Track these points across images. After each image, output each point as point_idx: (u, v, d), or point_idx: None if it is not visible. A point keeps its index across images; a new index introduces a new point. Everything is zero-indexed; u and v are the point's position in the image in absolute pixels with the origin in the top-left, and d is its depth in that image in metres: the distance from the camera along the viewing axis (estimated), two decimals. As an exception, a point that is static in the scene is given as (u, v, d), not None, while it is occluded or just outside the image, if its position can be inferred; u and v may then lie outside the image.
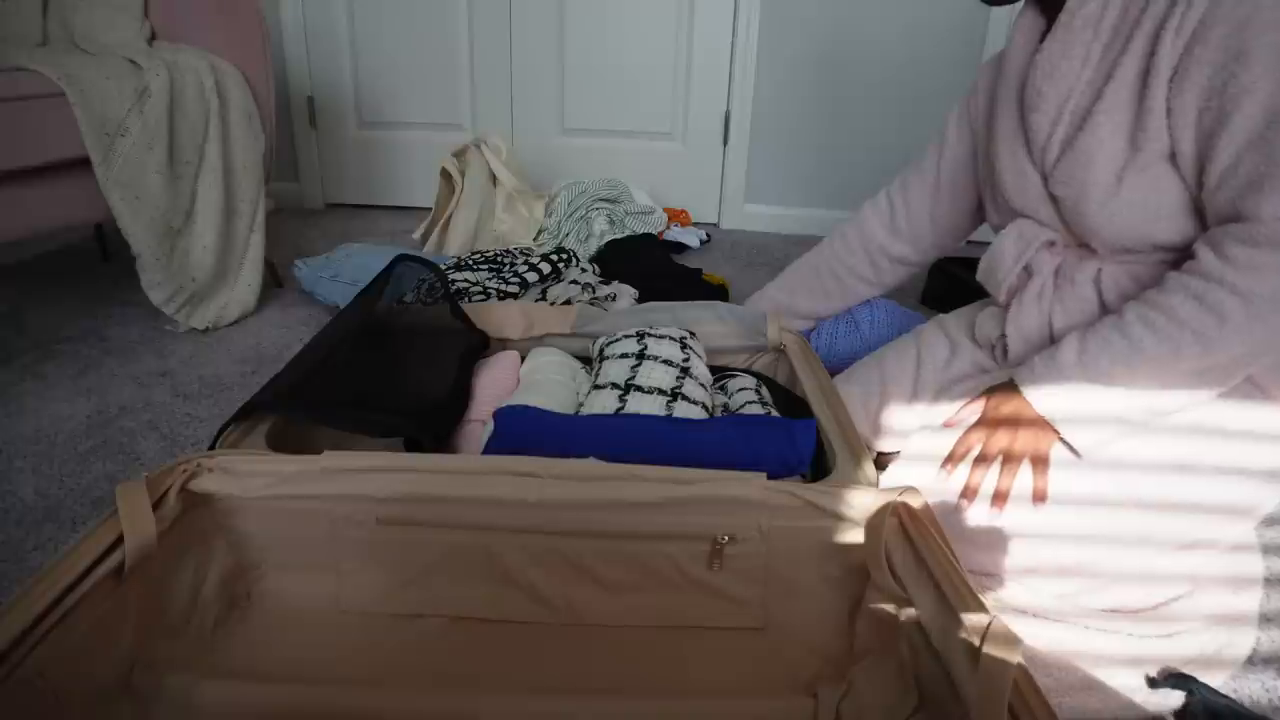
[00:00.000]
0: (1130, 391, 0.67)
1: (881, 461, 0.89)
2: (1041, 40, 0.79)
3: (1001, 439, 0.72)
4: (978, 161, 0.95)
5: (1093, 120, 0.71)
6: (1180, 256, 0.70)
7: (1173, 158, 0.68)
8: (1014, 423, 0.72)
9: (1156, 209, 0.69)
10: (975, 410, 0.76)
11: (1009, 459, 0.71)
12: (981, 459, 0.72)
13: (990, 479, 0.72)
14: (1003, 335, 0.84)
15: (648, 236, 1.83)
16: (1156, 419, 0.69)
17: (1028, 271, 0.82)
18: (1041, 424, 0.71)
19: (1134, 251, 0.73)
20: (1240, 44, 0.60)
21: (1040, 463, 0.70)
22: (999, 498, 0.71)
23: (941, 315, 0.98)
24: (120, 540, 0.56)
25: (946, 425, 0.78)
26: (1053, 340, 0.79)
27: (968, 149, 0.96)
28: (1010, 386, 0.73)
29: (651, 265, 1.64)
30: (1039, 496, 0.70)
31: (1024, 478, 0.70)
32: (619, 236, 1.78)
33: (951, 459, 0.74)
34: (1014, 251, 0.81)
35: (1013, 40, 0.82)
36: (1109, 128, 0.70)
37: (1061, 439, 0.70)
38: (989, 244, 0.86)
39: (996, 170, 0.84)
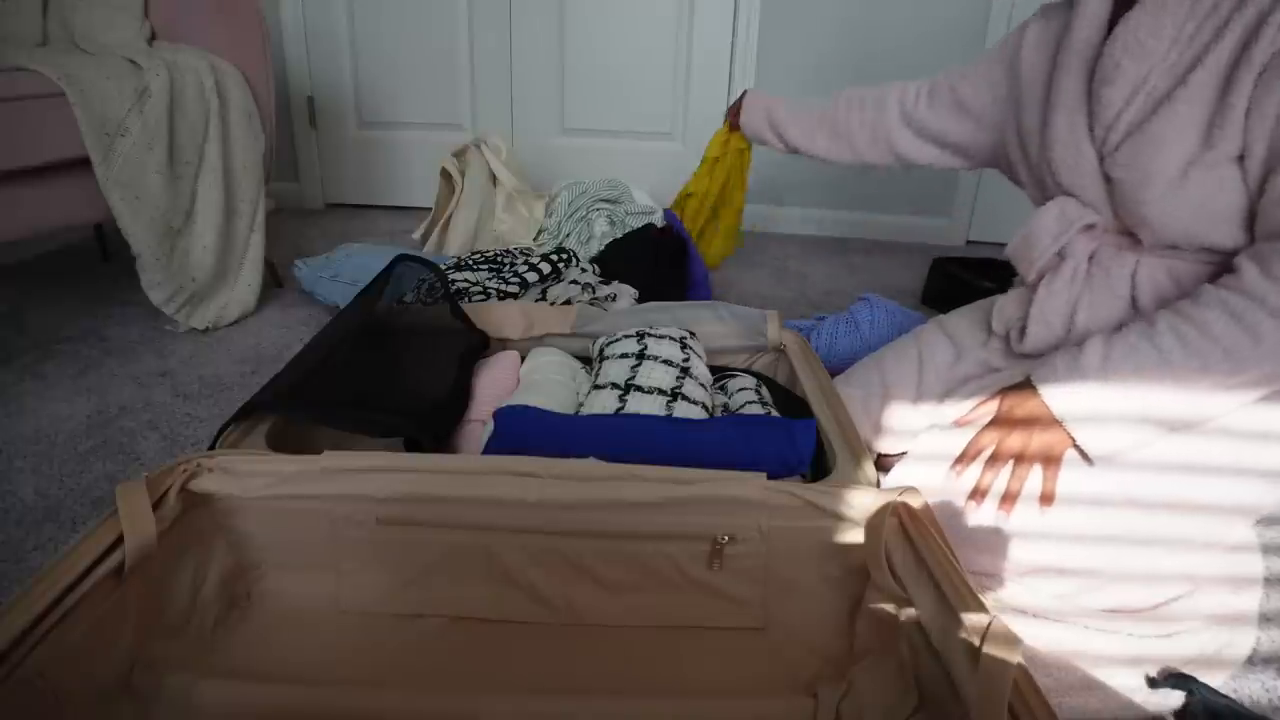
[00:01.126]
0: (1151, 401, 0.66)
1: (883, 464, 0.89)
2: (1118, 7, 0.73)
3: (1016, 440, 0.71)
4: (998, 115, 0.90)
5: (1170, 107, 0.67)
6: (1225, 261, 0.68)
7: (1241, 160, 0.65)
8: (1029, 424, 0.70)
9: (1215, 211, 0.67)
10: (989, 410, 0.74)
11: (1021, 461, 0.70)
12: (994, 459, 0.71)
13: (1001, 481, 0.71)
14: (1023, 318, 0.81)
15: (646, 227, 1.83)
16: (1174, 430, 0.68)
17: (1061, 255, 0.79)
18: (1057, 427, 0.69)
19: (1179, 249, 0.71)
20: None
21: (1051, 465, 0.70)
22: (1008, 499, 0.70)
23: (941, 316, 0.98)
24: (120, 540, 0.56)
25: (959, 424, 0.77)
26: (1072, 331, 0.77)
27: (987, 91, 0.92)
28: (1027, 386, 0.72)
29: (649, 255, 1.66)
30: (1046, 499, 0.69)
31: (1031, 479, 0.70)
32: (618, 236, 1.77)
33: (964, 459, 0.73)
34: (1053, 230, 0.77)
35: (1081, 9, 0.76)
36: (1186, 117, 0.66)
37: (1076, 444, 0.69)
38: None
39: (1048, 140, 0.79)
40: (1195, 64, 0.66)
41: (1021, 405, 0.72)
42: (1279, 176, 0.62)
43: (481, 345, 1.01)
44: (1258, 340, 0.61)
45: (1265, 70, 0.62)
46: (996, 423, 0.73)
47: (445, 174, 1.80)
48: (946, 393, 0.85)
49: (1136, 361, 0.66)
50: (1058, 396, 0.69)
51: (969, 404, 0.79)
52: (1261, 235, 0.64)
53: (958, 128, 0.96)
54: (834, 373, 0.96)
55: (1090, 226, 0.77)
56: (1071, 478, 0.69)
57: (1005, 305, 0.86)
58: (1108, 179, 0.74)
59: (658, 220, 1.94)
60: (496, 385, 0.91)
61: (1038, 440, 0.70)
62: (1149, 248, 0.73)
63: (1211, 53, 0.65)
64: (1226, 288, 0.64)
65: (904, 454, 0.84)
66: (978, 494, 0.72)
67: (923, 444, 0.80)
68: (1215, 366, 0.63)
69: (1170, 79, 0.68)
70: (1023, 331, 0.81)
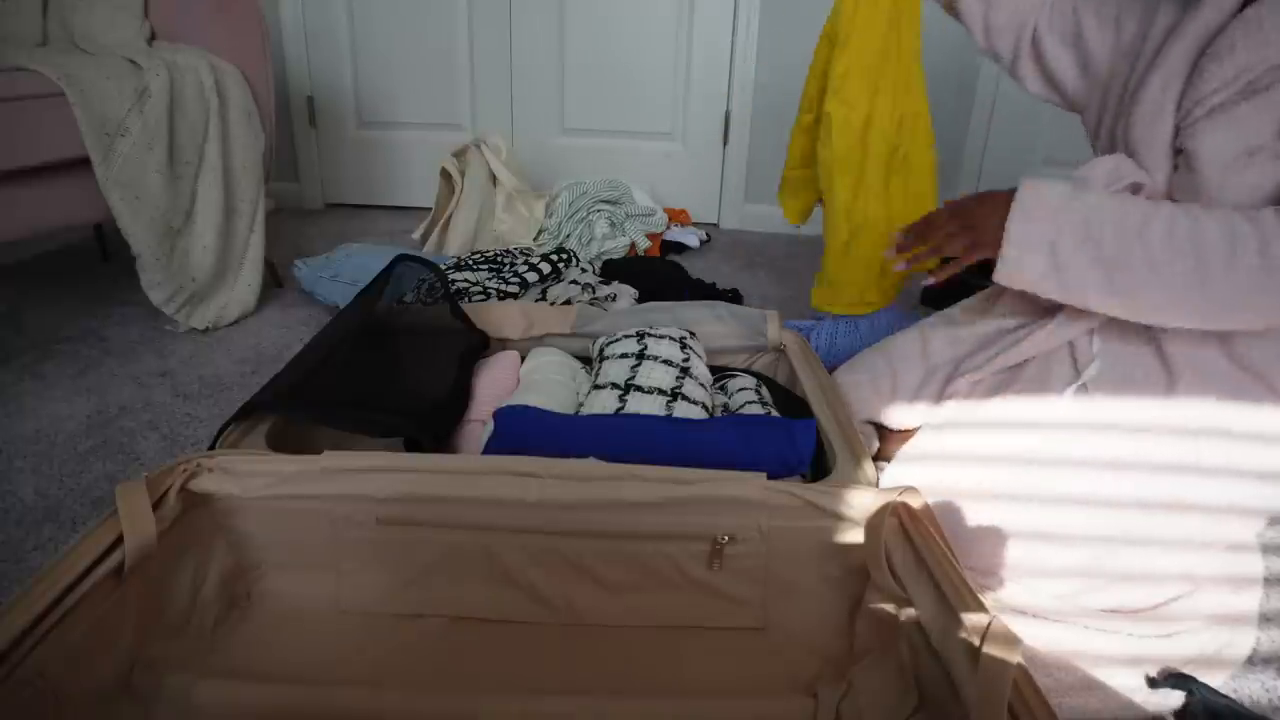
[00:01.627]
0: (1096, 267, 0.67)
1: (889, 448, 0.89)
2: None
3: (958, 219, 0.74)
4: (1109, 61, 0.87)
5: (1266, 96, 0.67)
6: None
7: None
8: (979, 215, 0.73)
9: (1266, 197, 0.67)
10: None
11: (959, 232, 0.74)
12: (931, 224, 0.77)
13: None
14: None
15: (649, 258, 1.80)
16: (1088, 303, 0.69)
17: None
18: (995, 230, 0.71)
19: None
20: None
21: (976, 248, 0.73)
22: (914, 261, 0.75)
23: (945, 310, 0.97)
24: (120, 540, 0.56)
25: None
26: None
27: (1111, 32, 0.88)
28: (1005, 192, 0.73)
29: (664, 276, 1.62)
30: (915, 262, 0.76)
31: (1022, 477, 0.70)
32: (615, 258, 1.75)
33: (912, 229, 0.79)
34: (1104, 181, 0.77)
35: None
36: (1273, 113, 0.67)
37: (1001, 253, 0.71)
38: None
39: (1138, 96, 0.78)
40: None
41: (989, 202, 0.73)
42: None
43: (481, 345, 1.01)
44: (1232, 265, 0.61)
45: None
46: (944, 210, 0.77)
47: (445, 174, 1.80)
48: (956, 360, 0.85)
49: (1120, 223, 0.66)
50: (1019, 222, 0.70)
51: (982, 372, 0.79)
52: None
53: (1065, 62, 0.91)
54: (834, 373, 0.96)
55: (1138, 187, 0.77)
56: (1064, 476, 0.69)
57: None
58: (1177, 151, 0.74)
59: (659, 221, 1.94)
60: (496, 385, 0.91)
61: (981, 211, 0.73)
62: None
63: None
64: (1241, 214, 0.64)
65: (917, 430, 0.84)
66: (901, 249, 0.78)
67: (913, 445, 0.80)
68: (1178, 269, 0.63)
69: (1272, 76, 0.68)
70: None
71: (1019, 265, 0.70)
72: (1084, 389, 0.72)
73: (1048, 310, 0.80)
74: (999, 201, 0.73)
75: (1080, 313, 0.75)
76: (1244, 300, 0.63)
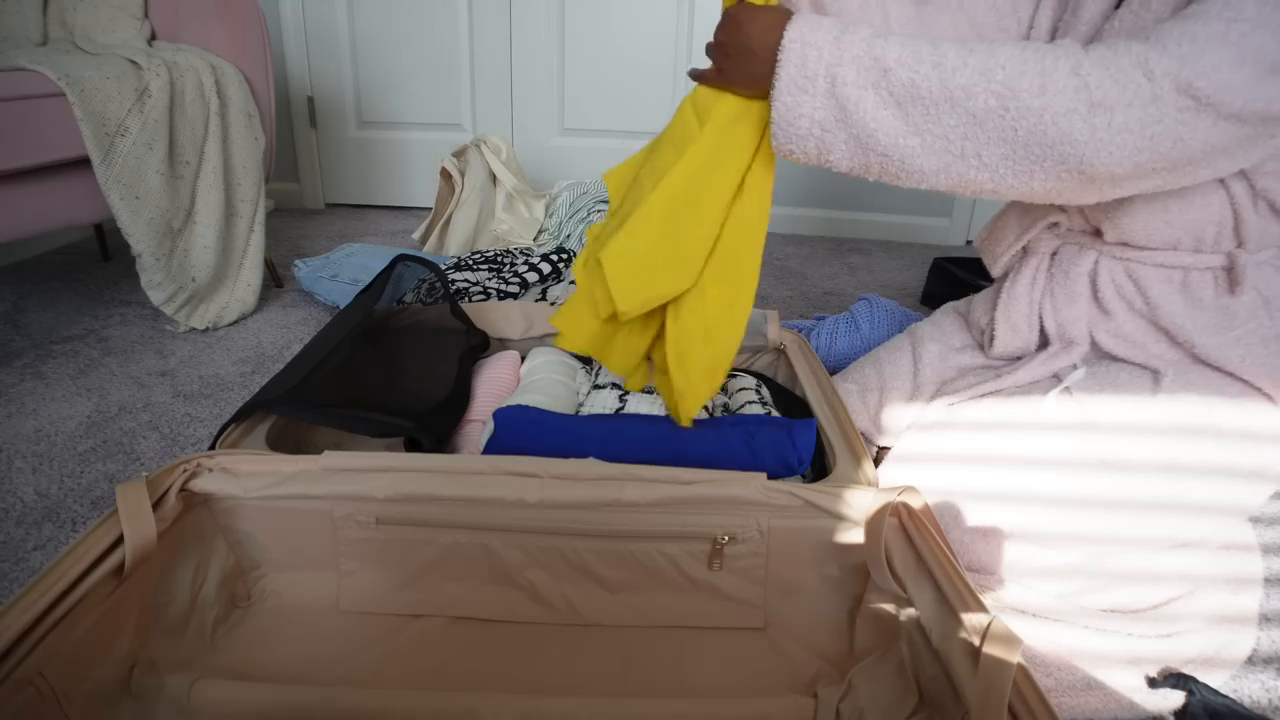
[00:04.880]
0: (884, 102, 0.57)
1: (882, 457, 0.89)
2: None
3: (724, 31, 0.64)
4: None
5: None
6: (1185, 269, 0.69)
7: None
8: (747, 37, 0.62)
9: (1191, 218, 0.67)
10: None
11: (725, 62, 0.64)
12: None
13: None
14: (991, 322, 0.82)
15: None
16: (867, 164, 0.60)
17: (1025, 251, 0.80)
18: (765, 58, 0.60)
19: (1139, 248, 0.72)
20: None
21: (728, 60, 0.63)
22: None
23: (934, 314, 0.97)
24: (120, 540, 0.56)
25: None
26: (1042, 333, 0.78)
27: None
28: (780, 13, 0.62)
29: None
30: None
31: (1010, 478, 0.70)
32: None
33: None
34: (1017, 227, 0.79)
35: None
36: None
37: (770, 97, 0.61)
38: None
39: None
40: None
41: (760, 19, 0.62)
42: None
43: (481, 345, 1.01)
44: (1043, 88, 0.53)
45: None
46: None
47: (445, 174, 1.80)
48: (942, 383, 0.85)
49: (907, 52, 0.56)
50: (795, 52, 0.58)
51: (962, 395, 0.79)
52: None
53: None
54: (834, 373, 0.97)
55: (1054, 225, 0.78)
56: (1064, 475, 0.69)
57: (975, 307, 0.87)
58: None
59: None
60: (496, 385, 0.91)
61: (736, 59, 0.62)
62: (1109, 246, 0.74)
63: None
64: (1061, 43, 0.56)
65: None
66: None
67: (905, 443, 0.80)
68: (981, 92, 0.54)
69: None
70: (992, 337, 0.82)
71: (796, 106, 0.59)
72: (1068, 391, 0.72)
73: (1036, 345, 0.80)
74: (770, 17, 0.61)
75: (1067, 346, 0.75)
76: (1052, 131, 0.54)
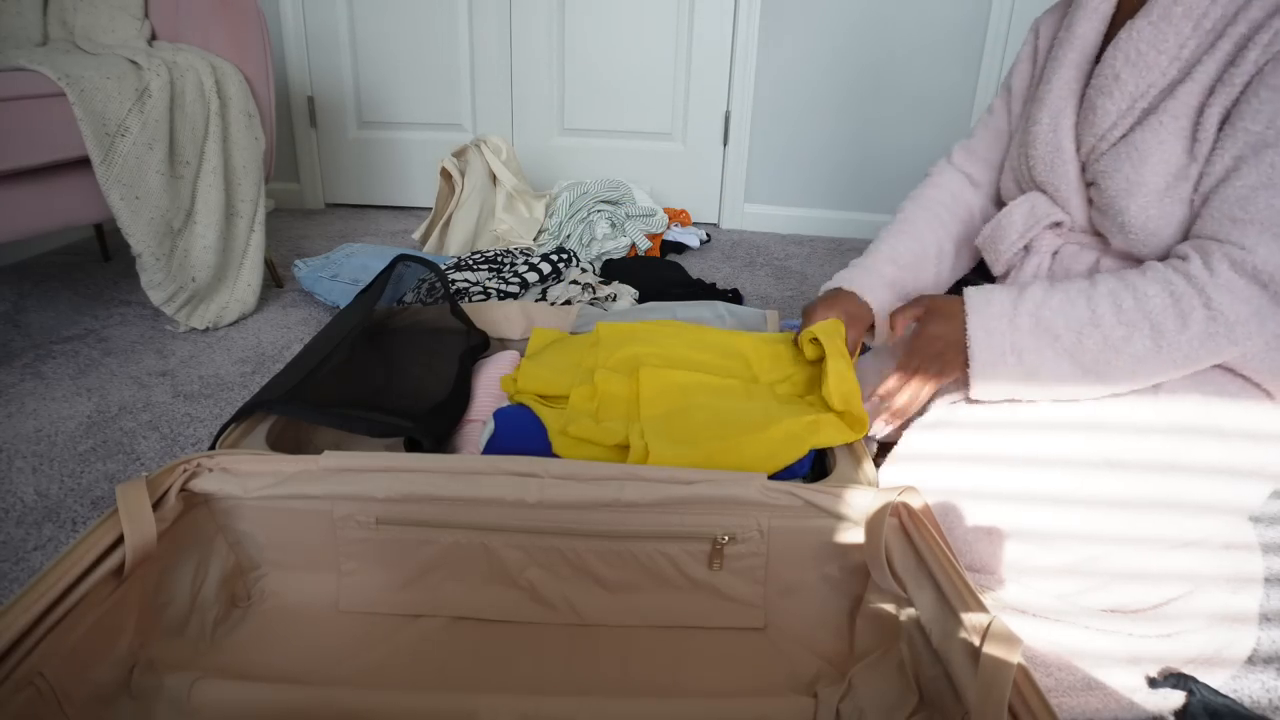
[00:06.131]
0: (1061, 360, 0.68)
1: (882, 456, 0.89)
2: (1120, 13, 0.72)
3: (924, 354, 0.74)
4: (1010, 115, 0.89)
5: (1156, 118, 0.67)
6: None
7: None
8: (939, 340, 0.73)
9: (1181, 227, 0.68)
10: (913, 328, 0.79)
11: (927, 368, 0.74)
12: (900, 370, 0.76)
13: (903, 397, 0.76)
14: None
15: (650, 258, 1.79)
16: (1062, 399, 0.70)
17: (1027, 249, 0.80)
18: (959, 355, 0.72)
19: (1144, 257, 0.72)
20: None
21: (945, 374, 0.74)
22: (896, 414, 0.77)
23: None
24: (120, 540, 0.56)
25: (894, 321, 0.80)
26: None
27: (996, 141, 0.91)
28: (957, 306, 0.73)
29: (664, 278, 1.61)
30: (897, 415, 0.77)
31: (1020, 475, 0.70)
32: (615, 258, 1.75)
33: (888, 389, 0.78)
34: (1021, 226, 0.79)
35: (1083, 1, 0.75)
36: (1172, 129, 0.67)
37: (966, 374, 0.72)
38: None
39: (1030, 136, 0.79)
40: (1185, 77, 0.66)
41: (942, 323, 0.73)
42: (1230, 187, 0.63)
43: (481, 345, 1.01)
44: (1185, 325, 0.63)
45: (1244, 91, 0.63)
46: (913, 342, 0.76)
47: (445, 174, 1.80)
48: None
49: (1068, 316, 0.67)
50: (982, 341, 0.70)
51: (964, 394, 0.79)
52: (1198, 233, 0.66)
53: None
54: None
55: (1057, 224, 0.78)
56: (1063, 475, 0.69)
57: None
58: (1088, 183, 0.74)
59: (659, 221, 1.94)
60: (496, 385, 0.91)
61: (935, 359, 0.73)
62: (1113, 251, 0.74)
63: (1201, 65, 0.65)
64: (1173, 269, 0.65)
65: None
66: (887, 400, 0.77)
67: (907, 444, 0.80)
68: (1139, 339, 0.64)
69: (1164, 94, 0.68)
70: None
71: (993, 376, 0.71)
72: None
73: None
74: (950, 321, 0.73)
75: None
76: (1202, 352, 0.64)
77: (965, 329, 0.71)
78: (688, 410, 0.78)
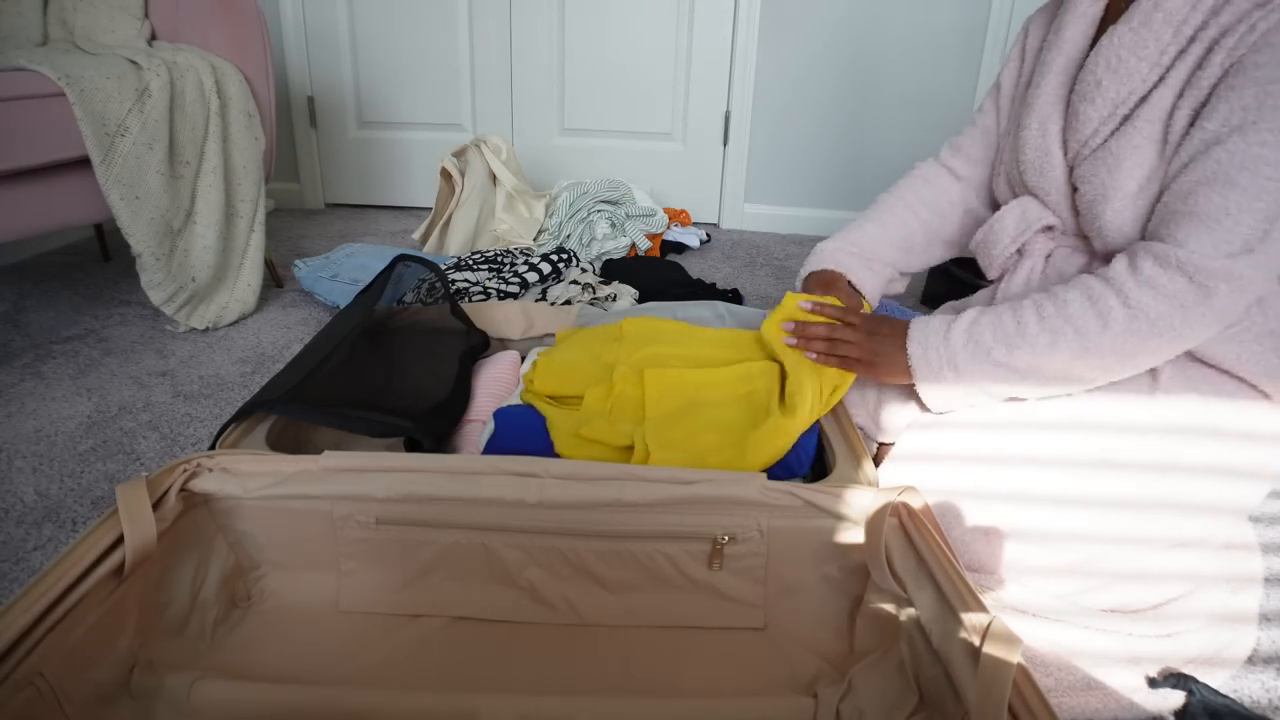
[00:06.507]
0: (997, 374, 0.71)
1: (882, 453, 0.89)
2: (1108, 17, 0.73)
3: (864, 347, 0.78)
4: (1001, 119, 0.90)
5: (1131, 124, 0.68)
6: None
7: None
8: (883, 353, 0.77)
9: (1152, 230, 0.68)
10: (846, 311, 0.83)
11: (854, 360, 0.79)
12: (837, 334, 0.80)
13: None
14: None
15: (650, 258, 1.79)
16: (1007, 402, 0.74)
17: (1020, 253, 0.81)
18: (904, 371, 0.76)
19: None
20: (1258, 112, 0.59)
21: (870, 370, 0.79)
22: (822, 350, 0.80)
23: (934, 313, 0.97)
24: (120, 540, 0.56)
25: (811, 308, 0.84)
26: None
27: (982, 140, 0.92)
28: (901, 328, 0.77)
29: (664, 278, 1.61)
30: (801, 336, 0.81)
31: (1018, 475, 0.70)
32: (615, 258, 1.75)
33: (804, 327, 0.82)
34: (1013, 230, 0.80)
35: (1072, 5, 0.75)
36: (1146, 134, 0.67)
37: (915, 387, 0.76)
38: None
39: (1020, 141, 0.79)
40: (1160, 81, 0.67)
41: (885, 339, 0.78)
42: (1178, 183, 0.64)
43: (481, 345, 1.01)
44: (1105, 325, 0.65)
45: (1211, 91, 0.63)
46: (855, 324, 0.80)
47: (445, 174, 1.80)
48: None
49: (996, 330, 0.71)
50: (919, 356, 0.75)
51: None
52: (1147, 234, 0.67)
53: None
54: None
55: (1049, 228, 0.78)
56: (1062, 475, 0.69)
57: (971, 307, 0.87)
58: (1074, 188, 0.75)
59: (659, 221, 1.94)
60: (496, 385, 0.91)
61: (882, 368, 0.78)
62: (1103, 253, 0.74)
63: (1174, 69, 0.66)
64: (1093, 274, 0.68)
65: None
66: (805, 335, 0.81)
67: (905, 443, 0.80)
68: (1064, 344, 0.67)
69: (1141, 99, 0.68)
70: None
71: (937, 381, 0.74)
72: None
73: None
74: (895, 335, 0.78)
75: None
76: (1131, 349, 0.65)
77: (906, 345, 0.76)
78: (690, 409, 0.78)
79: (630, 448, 0.74)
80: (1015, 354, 0.69)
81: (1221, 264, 0.60)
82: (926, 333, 0.75)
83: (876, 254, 0.95)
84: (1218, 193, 0.61)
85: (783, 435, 0.73)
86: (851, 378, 0.81)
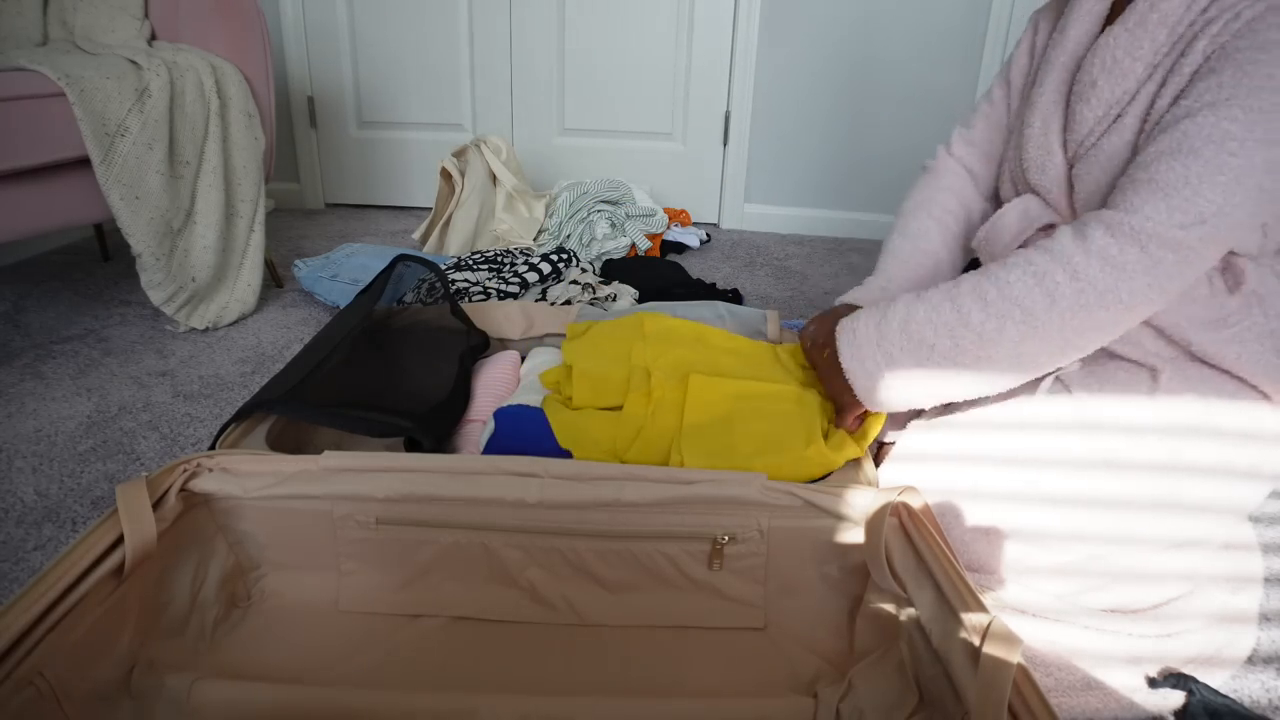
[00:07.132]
0: (944, 368, 0.68)
1: (881, 454, 0.89)
2: (1112, 16, 0.72)
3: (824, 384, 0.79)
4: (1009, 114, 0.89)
5: (1120, 122, 0.68)
6: None
7: None
8: (829, 380, 0.77)
9: None
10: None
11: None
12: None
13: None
14: None
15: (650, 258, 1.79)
16: (962, 398, 0.70)
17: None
18: (844, 382, 0.74)
19: None
20: (1233, 90, 0.59)
21: (844, 413, 0.76)
22: None
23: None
24: (120, 540, 0.56)
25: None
26: None
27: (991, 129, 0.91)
28: (832, 336, 0.76)
29: (664, 277, 1.61)
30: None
31: (1018, 475, 0.70)
32: (615, 258, 1.75)
33: None
34: (1015, 228, 0.79)
35: (1078, 3, 0.74)
36: (1134, 129, 0.67)
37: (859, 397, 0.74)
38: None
39: (1023, 140, 0.79)
40: (1148, 78, 0.66)
41: (823, 364, 0.77)
42: (1143, 155, 0.62)
43: (482, 345, 1.01)
44: (1053, 301, 0.62)
45: (1192, 77, 0.62)
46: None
47: (445, 174, 1.80)
48: None
49: (937, 324, 0.67)
50: (851, 359, 0.72)
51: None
52: (1106, 203, 0.65)
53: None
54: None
55: (1050, 226, 0.78)
56: (1062, 475, 0.69)
57: None
58: (1073, 186, 0.75)
59: (659, 221, 1.94)
60: (496, 385, 0.91)
61: (837, 398, 0.76)
62: None
63: (1161, 65, 0.66)
64: (1036, 247, 0.65)
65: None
66: None
67: (906, 443, 0.80)
68: (1011, 328, 0.63)
69: (1134, 99, 0.68)
70: None
71: (880, 395, 0.72)
72: (1061, 383, 0.72)
73: None
74: (829, 356, 0.76)
75: None
76: (1080, 322, 0.62)
77: (840, 359, 0.73)
78: (730, 419, 0.76)
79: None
80: (961, 345, 0.66)
81: (1173, 234, 0.59)
82: (856, 344, 0.73)
83: (921, 284, 0.89)
84: (1180, 162, 0.59)
85: (821, 468, 0.72)
86: (881, 419, 0.77)
